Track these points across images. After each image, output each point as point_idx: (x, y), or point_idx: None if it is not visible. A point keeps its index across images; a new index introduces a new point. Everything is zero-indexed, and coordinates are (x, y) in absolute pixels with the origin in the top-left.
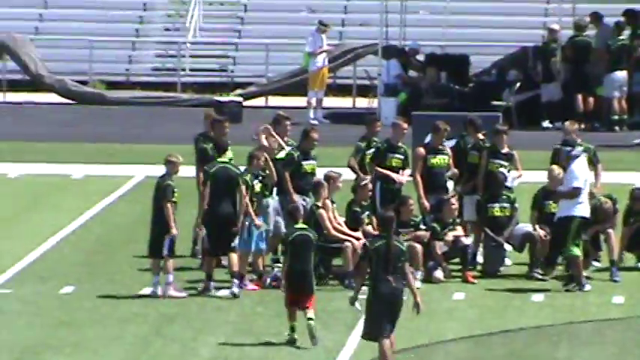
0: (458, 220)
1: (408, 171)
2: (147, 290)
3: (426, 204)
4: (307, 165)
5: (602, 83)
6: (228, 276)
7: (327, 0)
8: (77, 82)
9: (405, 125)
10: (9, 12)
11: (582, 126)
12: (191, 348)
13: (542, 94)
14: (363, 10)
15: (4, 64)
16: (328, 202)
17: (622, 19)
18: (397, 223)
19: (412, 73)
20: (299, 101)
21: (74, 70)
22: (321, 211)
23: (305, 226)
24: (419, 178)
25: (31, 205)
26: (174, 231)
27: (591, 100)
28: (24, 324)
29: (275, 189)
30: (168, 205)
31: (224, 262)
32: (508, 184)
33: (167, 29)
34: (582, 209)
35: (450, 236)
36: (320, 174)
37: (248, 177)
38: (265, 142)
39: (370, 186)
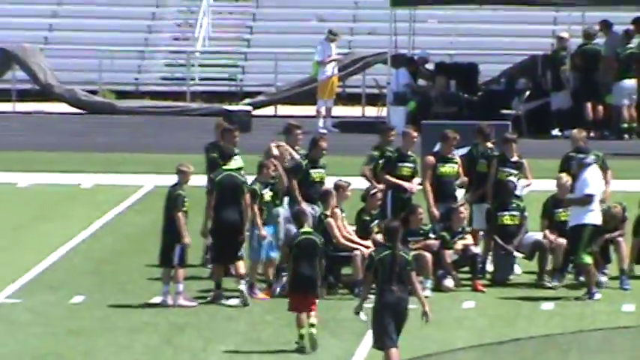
0: (467, 229)
1: (417, 180)
2: (157, 299)
3: (436, 213)
4: (315, 174)
5: (612, 91)
6: (237, 284)
7: (337, 9)
8: (87, 91)
9: (415, 134)
10: (19, 22)
11: (592, 134)
12: (201, 357)
13: (551, 102)
14: (372, 19)
15: (14, 74)
16: (337, 210)
17: (631, 27)
18: (407, 232)
19: (421, 81)
20: (308, 110)
21: (84, 79)
22: (330, 220)
23: (310, 229)
24: (428, 187)
25: (40, 215)
26: (187, 240)
27: (601, 108)
28: (34, 334)
29: (286, 198)
30: (180, 214)
31: (232, 271)
32: (517, 192)
33: (176, 39)
34: (594, 217)
35: (459, 245)
36: (329, 183)
37: (257, 186)
38: (276, 151)
39: (380, 195)
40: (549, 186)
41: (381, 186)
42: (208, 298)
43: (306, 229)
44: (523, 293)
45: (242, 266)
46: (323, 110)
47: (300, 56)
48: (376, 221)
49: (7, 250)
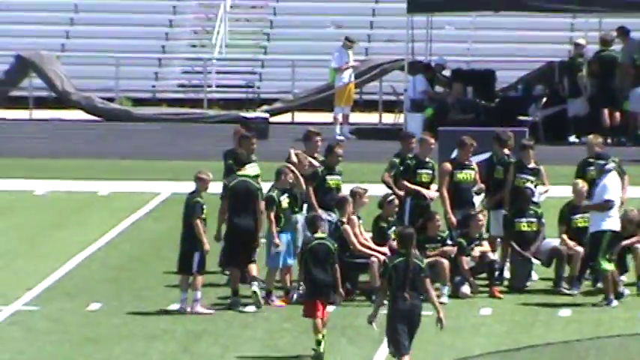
0: (485, 235)
1: (434, 186)
2: (174, 307)
3: (453, 219)
4: (332, 180)
5: (629, 98)
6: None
7: (353, 16)
8: (104, 99)
9: (432, 140)
10: (36, 29)
11: (609, 140)
12: None
13: (568, 108)
14: (389, 26)
15: (31, 81)
16: (354, 217)
17: None
18: (424, 239)
19: (438, 88)
20: (325, 117)
21: (101, 87)
22: (346, 226)
23: (324, 235)
24: (445, 194)
25: (57, 222)
26: (207, 247)
27: (617, 114)
28: (51, 341)
29: (305, 205)
30: (198, 221)
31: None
32: (535, 199)
33: (193, 46)
34: (613, 223)
35: (476, 251)
36: (346, 189)
37: (275, 193)
38: (294, 158)
39: (397, 202)
40: (566, 192)
41: (400, 192)
42: (225, 306)
43: (320, 234)
44: (540, 300)
45: (254, 269)
46: (340, 117)
47: (317, 63)
48: (393, 228)
49: (24, 257)
